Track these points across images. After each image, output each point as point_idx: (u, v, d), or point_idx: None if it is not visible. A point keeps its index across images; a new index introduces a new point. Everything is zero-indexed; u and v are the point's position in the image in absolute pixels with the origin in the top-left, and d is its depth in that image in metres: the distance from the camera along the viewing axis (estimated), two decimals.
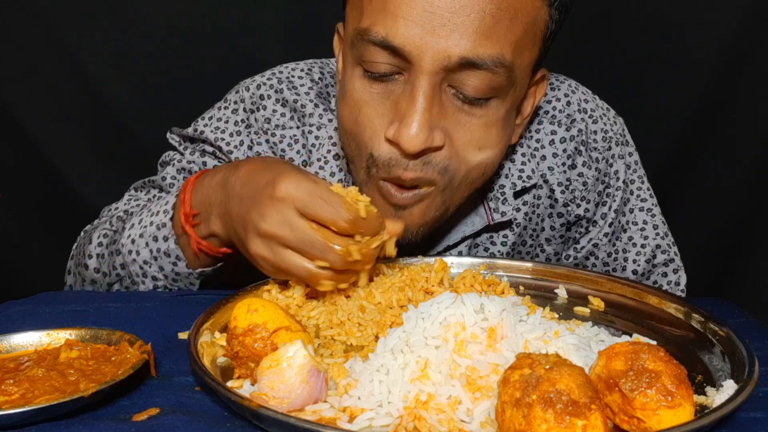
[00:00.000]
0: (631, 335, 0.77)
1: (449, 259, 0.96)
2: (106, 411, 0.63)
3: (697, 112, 1.72)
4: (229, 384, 0.66)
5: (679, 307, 0.82)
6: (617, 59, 1.71)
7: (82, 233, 1.13)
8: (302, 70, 1.12)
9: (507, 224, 1.09)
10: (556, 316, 0.82)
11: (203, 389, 0.68)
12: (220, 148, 1.09)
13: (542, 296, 0.92)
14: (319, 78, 1.12)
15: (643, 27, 1.69)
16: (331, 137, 1.07)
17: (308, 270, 0.77)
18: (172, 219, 0.93)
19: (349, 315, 0.79)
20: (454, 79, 0.84)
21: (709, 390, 0.65)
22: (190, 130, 1.13)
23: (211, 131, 1.10)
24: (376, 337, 0.76)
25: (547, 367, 0.54)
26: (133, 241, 0.96)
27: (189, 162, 1.11)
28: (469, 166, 0.90)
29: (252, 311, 0.66)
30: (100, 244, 1.02)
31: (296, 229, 0.76)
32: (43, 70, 1.68)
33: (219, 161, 1.10)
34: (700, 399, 0.64)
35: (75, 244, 1.12)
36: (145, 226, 0.95)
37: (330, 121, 1.08)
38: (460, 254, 1.10)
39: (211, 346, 0.72)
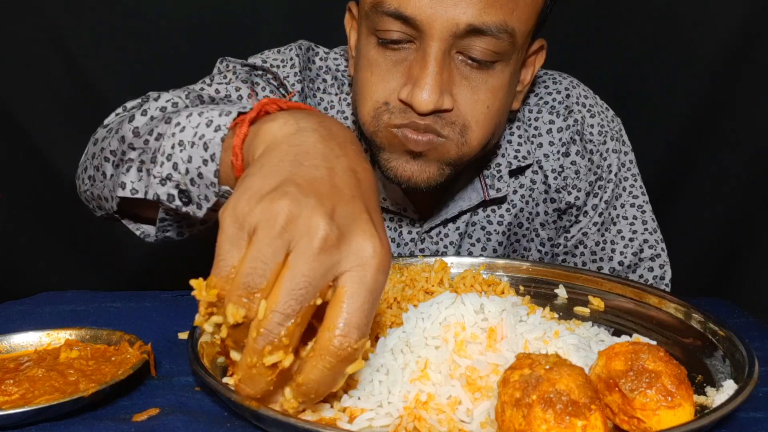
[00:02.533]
0: (631, 335, 0.77)
1: (449, 259, 0.96)
2: (106, 411, 0.63)
3: (697, 113, 1.72)
4: (229, 383, 0.65)
5: (679, 307, 0.82)
6: (617, 59, 1.71)
7: (120, 108, 0.99)
8: (336, 53, 1.17)
9: (502, 201, 1.14)
10: (556, 316, 0.82)
11: (203, 389, 0.68)
12: (284, 86, 1.10)
13: (542, 296, 0.92)
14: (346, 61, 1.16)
15: (643, 27, 1.69)
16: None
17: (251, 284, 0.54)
18: (239, 114, 0.74)
19: None
20: (461, 45, 0.90)
21: (709, 390, 0.65)
22: (257, 60, 1.11)
23: (278, 69, 1.10)
24: (376, 337, 0.76)
25: (547, 367, 0.54)
26: (189, 116, 0.76)
27: (257, 83, 1.08)
28: (479, 124, 0.95)
29: None
30: (162, 108, 0.85)
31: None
32: (43, 70, 1.68)
33: (272, 93, 1.09)
34: (700, 399, 0.64)
35: (112, 114, 0.99)
36: (211, 109, 0.76)
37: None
38: (460, 237, 1.13)
39: (211, 346, 0.72)
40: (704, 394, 0.65)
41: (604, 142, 1.15)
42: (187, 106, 0.84)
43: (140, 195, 0.79)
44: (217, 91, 1.05)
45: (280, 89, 1.10)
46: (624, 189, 1.16)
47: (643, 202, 1.17)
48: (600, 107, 1.17)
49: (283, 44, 1.15)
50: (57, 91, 1.70)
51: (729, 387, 0.63)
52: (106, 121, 0.98)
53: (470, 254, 1.15)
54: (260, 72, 1.10)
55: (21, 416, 0.58)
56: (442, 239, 1.14)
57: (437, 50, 0.89)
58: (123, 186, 0.80)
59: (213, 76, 1.09)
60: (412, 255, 0.97)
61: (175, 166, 0.75)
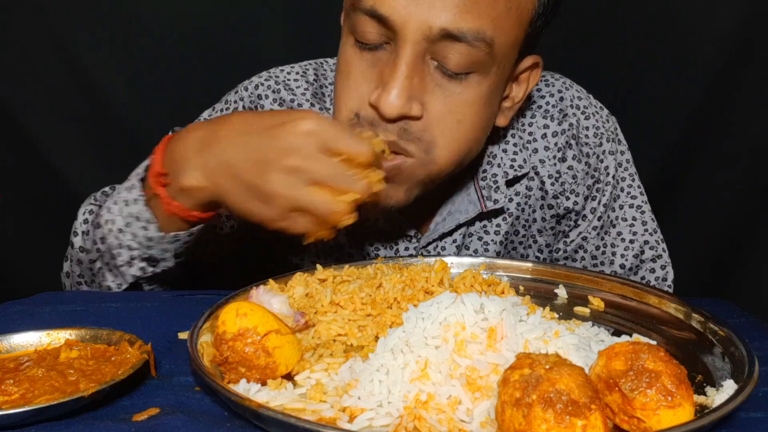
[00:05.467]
0: (631, 335, 0.77)
1: (449, 259, 0.96)
2: (106, 411, 0.63)
3: (696, 113, 1.72)
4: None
5: (679, 307, 0.82)
6: (617, 59, 1.71)
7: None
8: (297, 72, 1.15)
9: (500, 213, 1.12)
10: (556, 316, 0.82)
11: (203, 389, 0.68)
12: None
13: (542, 296, 0.92)
14: (314, 79, 1.15)
15: (643, 27, 1.69)
16: None
17: (330, 205, 0.79)
18: (142, 180, 0.92)
19: (349, 316, 0.79)
20: (436, 51, 0.88)
21: (709, 390, 0.65)
22: (201, 118, 1.14)
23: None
24: (376, 337, 0.76)
25: (547, 367, 0.54)
26: (109, 210, 0.92)
27: None
28: (447, 140, 0.92)
29: (241, 315, 0.65)
30: (85, 221, 1.00)
31: (325, 161, 0.79)
32: (43, 70, 1.68)
33: None
34: (700, 399, 0.64)
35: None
36: (119, 193, 0.93)
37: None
38: (457, 249, 1.12)
39: (211, 346, 0.72)
40: (704, 394, 0.65)
41: (600, 144, 1.13)
42: (100, 206, 0.99)
43: (125, 286, 0.96)
44: None
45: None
46: (622, 190, 1.15)
47: (642, 202, 1.15)
48: (594, 108, 1.15)
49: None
50: (57, 92, 1.70)
51: (729, 387, 0.63)
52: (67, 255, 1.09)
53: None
54: None
55: (21, 416, 0.58)
56: (439, 253, 1.12)
57: (409, 53, 0.86)
58: (109, 288, 0.97)
59: None
60: (411, 255, 0.97)
61: (130, 248, 0.92)
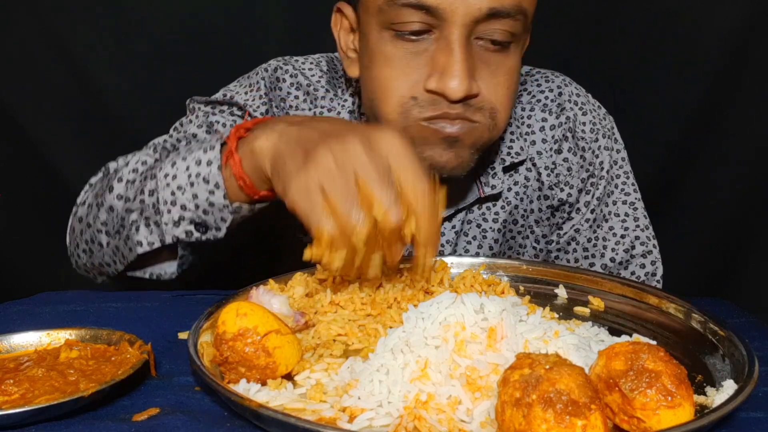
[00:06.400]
0: (631, 335, 0.77)
1: (449, 259, 0.96)
2: (106, 411, 0.63)
3: (696, 113, 1.72)
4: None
5: (679, 307, 0.82)
6: (617, 59, 1.71)
7: (87, 186, 1.05)
8: (311, 62, 1.18)
9: (497, 198, 1.15)
10: (556, 316, 0.82)
11: (203, 389, 0.68)
12: (249, 114, 1.11)
13: (542, 296, 0.92)
14: (327, 69, 1.17)
15: (643, 27, 1.69)
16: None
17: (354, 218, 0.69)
18: (222, 146, 0.87)
19: (349, 316, 0.79)
20: (480, 30, 0.92)
21: (709, 390, 0.65)
22: (218, 95, 1.14)
23: (240, 97, 1.12)
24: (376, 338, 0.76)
25: (547, 367, 0.54)
26: (173, 164, 0.88)
27: (217, 121, 1.10)
28: (504, 106, 0.98)
29: (241, 315, 0.65)
30: (135, 170, 0.95)
31: (382, 168, 0.70)
32: (42, 70, 1.68)
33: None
34: (700, 399, 0.64)
35: (83, 192, 1.04)
36: (191, 151, 0.88)
37: (342, 105, 1.13)
38: (456, 235, 1.13)
39: (211, 346, 0.72)
40: (704, 394, 0.65)
41: (596, 140, 1.15)
42: (157, 160, 0.95)
43: (157, 245, 0.90)
44: (188, 132, 1.09)
45: (246, 118, 1.11)
46: (616, 186, 1.17)
47: (635, 199, 1.17)
48: (592, 105, 1.18)
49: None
50: (57, 92, 1.70)
51: (729, 387, 0.63)
52: (79, 201, 1.04)
53: (466, 252, 1.15)
54: (220, 108, 1.12)
55: (21, 416, 0.58)
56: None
57: (461, 36, 0.90)
58: (140, 244, 0.90)
59: (186, 117, 1.14)
60: (411, 255, 0.97)
61: (184, 207, 0.87)
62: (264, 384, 0.66)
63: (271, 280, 0.86)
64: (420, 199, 0.71)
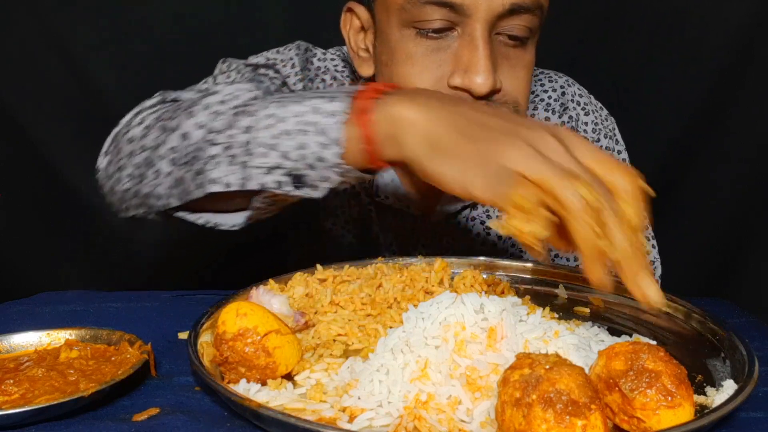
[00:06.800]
0: (631, 335, 0.77)
1: (449, 259, 0.96)
2: (106, 411, 0.63)
3: (697, 113, 1.72)
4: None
5: (679, 307, 0.82)
6: (618, 58, 1.71)
7: (138, 108, 0.95)
8: (332, 52, 1.18)
9: None
10: (556, 316, 0.82)
11: (203, 389, 0.68)
12: (286, 84, 1.10)
13: (542, 296, 0.92)
14: (345, 59, 1.18)
15: (645, 26, 1.69)
16: None
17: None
18: (351, 99, 0.76)
19: (349, 316, 0.79)
20: (501, 26, 0.93)
21: (709, 390, 0.65)
22: (260, 59, 1.12)
23: (278, 63, 1.11)
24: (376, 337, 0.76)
25: (547, 367, 0.54)
26: (283, 106, 0.77)
27: (261, 81, 1.06)
28: (524, 99, 0.99)
29: (241, 315, 0.65)
30: (223, 102, 0.81)
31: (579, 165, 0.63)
32: (42, 70, 1.68)
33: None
34: (700, 399, 0.64)
35: (131, 114, 0.95)
36: (309, 98, 0.77)
37: None
38: (458, 247, 1.12)
39: (211, 346, 0.72)
40: (704, 394, 0.65)
41: (598, 140, 1.16)
42: (256, 97, 0.82)
43: (234, 188, 0.77)
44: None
45: (283, 88, 1.10)
46: None
47: None
48: (594, 106, 1.19)
49: (282, 44, 1.15)
50: (57, 91, 1.70)
51: (729, 387, 0.63)
52: (125, 121, 0.93)
53: (470, 249, 1.15)
54: (264, 71, 1.09)
55: (21, 416, 0.58)
56: (443, 235, 1.14)
57: (484, 32, 0.91)
58: (214, 182, 0.78)
59: (216, 77, 1.09)
60: (411, 255, 0.97)
61: (285, 155, 0.75)
62: (264, 384, 0.66)
63: (271, 280, 0.86)
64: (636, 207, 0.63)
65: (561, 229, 0.61)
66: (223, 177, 0.77)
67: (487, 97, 0.93)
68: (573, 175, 0.61)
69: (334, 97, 0.75)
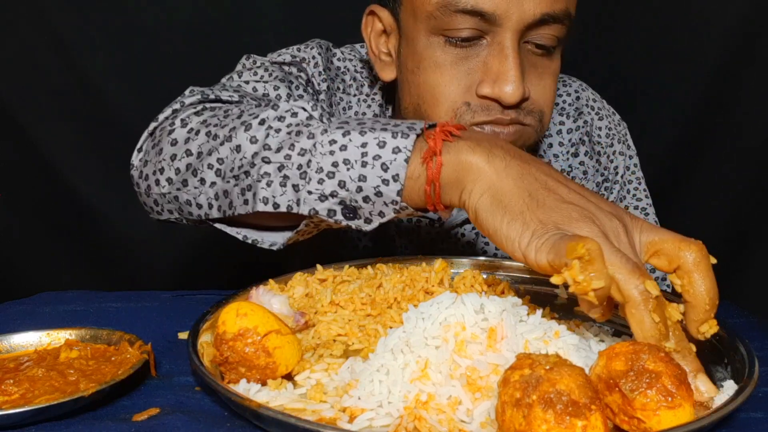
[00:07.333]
0: (631, 335, 0.77)
1: (449, 259, 0.96)
2: (106, 411, 0.63)
3: (698, 113, 1.72)
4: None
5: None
6: (619, 58, 1.71)
7: (177, 104, 0.91)
8: (349, 51, 1.18)
9: None
10: (556, 316, 0.82)
11: (203, 389, 0.68)
12: (311, 83, 1.09)
13: (542, 296, 0.92)
14: (360, 61, 1.18)
15: (645, 25, 1.69)
16: (376, 115, 1.13)
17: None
18: (417, 137, 0.75)
19: (349, 316, 0.79)
20: (530, 35, 0.93)
21: None
22: (285, 56, 1.09)
23: (302, 62, 1.10)
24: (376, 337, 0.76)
25: (548, 367, 0.54)
26: (346, 134, 0.74)
27: (291, 81, 1.04)
28: (549, 107, 1.00)
29: (241, 315, 0.65)
30: (281, 119, 0.78)
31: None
32: (42, 70, 1.68)
33: (305, 92, 1.06)
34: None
35: (170, 110, 0.91)
36: (375, 130, 0.75)
37: (373, 100, 1.14)
38: (476, 236, 1.13)
39: (211, 346, 0.72)
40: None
41: (611, 145, 1.17)
42: (311, 117, 0.80)
43: (283, 209, 0.76)
44: (255, 90, 1.02)
45: (309, 86, 1.08)
46: (628, 191, 1.19)
47: (647, 204, 1.19)
48: (607, 111, 1.20)
49: (283, 45, 1.14)
50: (57, 91, 1.70)
51: (729, 387, 0.63)
52: (164, 116, 0.89)
53: (484, 253, 1.15)
54: (289, 69, 1.07)
55: (21, 416, 0.58)
56: (459, 239, 1.14)
57: (513, 42, 0.91)
58: (264, 201, 0.76)
59: (241, 73, 1.05)
60: (413, 254, 0.97)
61: (342, 185, 0.74)
62: (264, 384, 0.66)
63: (271, 280, 0.86)
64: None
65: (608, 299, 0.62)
66: (274, 197, 0.75)
67: (516, 106, 0.93)
68: (641, 270, 0.61)
69: (401, 133, 0.73)
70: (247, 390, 0.64)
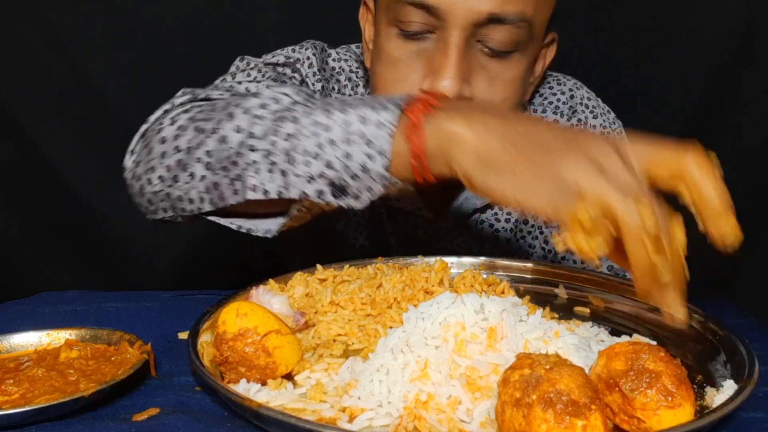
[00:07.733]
0: (631, 335, 0.77)
1: (449, 259, 0.96)
2: (106, 411, 0.63)
3: (698, 113, 1.71)
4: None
5: None
6: (619, 58, 1.71)
7: (168, 105, 0.92)
8: (344, 51, 1.18)
9: None
10: (556, 316, 0.82)
11: (203, 389, 0.68)
12: (306, 83, 1.08)
13: (542, 296, 0.92)
14: (357, 60, 1.18)
15: (644, 26, 1.69)
16: None
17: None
18: (399, 111, 0.75)
19: (349, 316, 0.79)
20: (481, 34, 0.91)
21: (709, 390, 0.65)
22: (279, 58, 1.09)
23: (296, 63, 1.10)
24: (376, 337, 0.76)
25: (547, 367, 0.54)
26: (330, 115, 0.75)
27: (284, 81, 1.05)
28: None
29: (241, 315, 0.65)
30: (264, 106, 0.79)
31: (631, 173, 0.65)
32: (42, 70, 1.68)
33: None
34: (700, 399, 0.64)
35: (161, 111, 0.92)
36: (357, 106, 0.75)
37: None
38: (469, 251, 1.12)
39: (211, 346, 0.72)
40: (704, 394, 0.65)
41: None
42: (296, 102, 0.80)
43: (273, 195, 0.76)
44: (248, 90, 0.98)
45: (303, 87, 1.08)
46: None
47: None
48: (602, 109, 1.18)
49: (282, 46, 1.14)
50: (57, 91, 1.70)
51: (729, 387, 0.63)
52: (155, 118, 0.90)
53: (480, 252, 1.15)
54: (282, 70, 1.08)
55: (21, 416, 0.58)
56: (454, 238, 1.14)
57: (458, 38, 0.89)
58: (254, 189, 0.76)
59: (234, 74, 1.06)
60: (409, 254, 0.97)
61: (329, 164, 0.74)
62: (264, 384, 0.66)
63: (271, 280, 0.86)
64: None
65: (619, 244, 0.62)
66: (262, 184, 0.76)
67: None
68: (633, 195, 0.61)
69: (383, 107, 0.74)
70: (247, 390, 0.64)
